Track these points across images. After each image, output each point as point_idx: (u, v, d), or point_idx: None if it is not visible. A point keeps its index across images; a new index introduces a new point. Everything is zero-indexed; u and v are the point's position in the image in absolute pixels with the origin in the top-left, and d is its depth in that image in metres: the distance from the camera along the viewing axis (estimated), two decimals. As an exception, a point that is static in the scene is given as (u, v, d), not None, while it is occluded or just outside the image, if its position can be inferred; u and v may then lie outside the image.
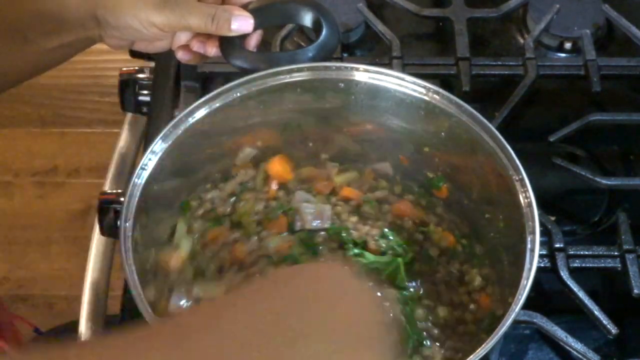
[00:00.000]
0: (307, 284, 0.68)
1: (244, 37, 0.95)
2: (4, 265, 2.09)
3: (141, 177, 0.90)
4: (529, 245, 0.86)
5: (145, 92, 1.19)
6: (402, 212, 1.01)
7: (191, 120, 0.94)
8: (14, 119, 2.27)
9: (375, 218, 1.01)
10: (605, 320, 0.96)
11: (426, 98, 0.96)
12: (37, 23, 0.93)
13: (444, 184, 1.01)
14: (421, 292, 0.95)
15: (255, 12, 0.94)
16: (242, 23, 0.93)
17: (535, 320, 0.96)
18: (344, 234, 0.98)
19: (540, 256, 0.94)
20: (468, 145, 0.94)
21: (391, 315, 0.81)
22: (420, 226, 1.00)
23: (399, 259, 0.96)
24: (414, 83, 0.96)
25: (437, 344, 0.92)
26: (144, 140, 1.18)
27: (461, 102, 0.94)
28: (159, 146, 0.92)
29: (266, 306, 0.63)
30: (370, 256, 0.96)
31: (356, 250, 0.97)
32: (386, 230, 0.99)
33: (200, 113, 0.94)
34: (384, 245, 0.98)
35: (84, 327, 1.05)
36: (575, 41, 1.23)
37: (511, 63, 1.19)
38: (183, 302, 0.92)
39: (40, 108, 2.28)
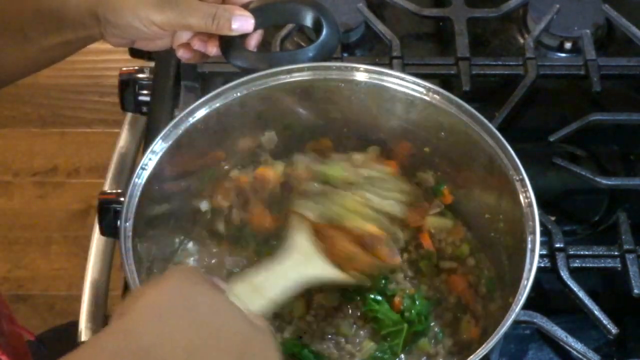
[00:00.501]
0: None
1: (244, 36, 0.95)
2: (4, 265, 2.09)
3: (141, 177, 0.90)
4: (529, 245, 0.86)
5: (145, 92, 1.19)
6: (453, 286, 0.97)
7: (191, 120, 0.94)
8: (14, 119, 2.28)
9: (424, 279, 0.98)
10: (605, 320, 0.96)
11: (426, 98, 0.96)
12: (37, 21, 0.93)
13: (444, 186, 1.01)
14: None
15: (256, 12, 0.94)
16: (242, 23, 0.93)
17: (535, 320, 0.96)
18: (381, 281, 0.96)
19: (541, 256, 0.94)
20: (468, 145, 0.94)
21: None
22: (460, 310, 0.96)
23: (405, 326, 0.93)
24: (414, 83, 0.96)
25: None
26: (144, 140, 1.18)
27: (461, 102, 0.94)
28: (159, 146, 0.92)
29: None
30: (384, 308, 0.94)
31: (376, 297, 0.95)
32: (417, 295, 0.95)
33: (200, 113, 0.94)
34: (406, 305, 0.95)
35: (83, 327, 1.05)
36: (575, 41, 1.23)
37: (511, 63, 1.19)
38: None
39: (40, 108, 2.28)
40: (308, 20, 0.97)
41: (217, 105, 0.95)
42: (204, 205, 1.00)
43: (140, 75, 1.19)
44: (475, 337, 0.93)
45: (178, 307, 0.67)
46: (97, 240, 1.13)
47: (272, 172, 1.01)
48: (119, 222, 0.87)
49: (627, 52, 1.22)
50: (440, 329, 0.95)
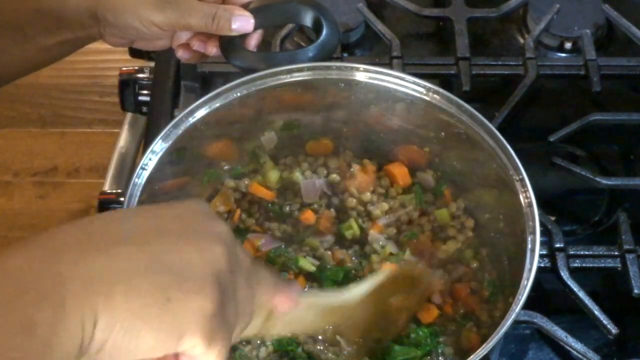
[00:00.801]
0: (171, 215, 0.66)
1: (244, 37, 0.95)
2: (4, 265, 2.08)
3: (141, 177, 0.90)
4: (529, 245, 0.86)
5: (145, 92, 1.19)
6: (457, 295, 0.96)
7: (191, 120, 0.94)
8: (14, 119, 2.27)
9: None
10: (605, 320, 0.96)
11: (426, 98, 0.96)
12: (36, 20, 0.93)
13: (445, 186, 1.01)
14: None
15: (256, 12, 0.94)
16: (242, 23, 0.93)
17: (535, 320, 0.96)
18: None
19: (541, 256, 0.94)
20: (468, 145, 0.94)
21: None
22: (463, 318, 0.95)
23: (419, 352, 0.91)
24: (414, 83, 0.96)
25: None
26: (144, 140, 1.18)
27: (461, 102, 0.94)
28: (159, 146, 0.92)
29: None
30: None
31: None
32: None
33: (200, 113, 0.94)
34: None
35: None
36: (576, 41, 1.23)
37: (511, 63, 1.19)
38: None
39: (40, 108, 2.28)
40: (308, 20, 0.97)
41: (217, 105, 0.95)
42: None
43: (140, 75, 1.20)
44: (476, 345, 0.92)
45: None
46: (97, 240, 1.12)
47: (265, 190, 1.02)
48: (119, 222, 0.87)
49: (627, 52, 1.22)
50: (442, 341, 0.94)
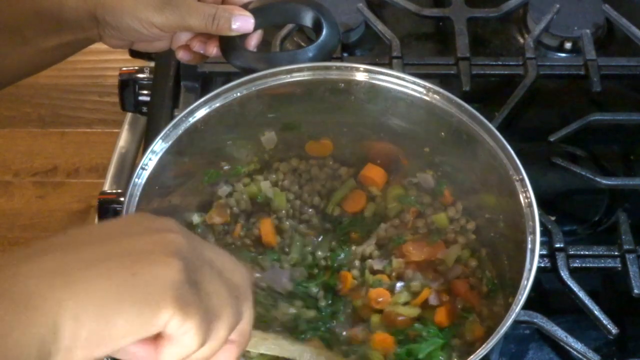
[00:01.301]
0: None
1: (244, 37, 0.95)
2: (4, 265, 2.08)
3: (141, 177, 0.90)
4: (529, 245, 0.86)
5: (145, 92, 1.19)
6: (456, 291, 0.96)
7: (191, 120, 0.94)
8: (14, 119, 2.27)
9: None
10: (605, 320, 0.96)
11: (426, 98, 0.96)
12: (35, 22, 0.93)
13: (444, 186, 1.01)
14: None
15: (256, 12, 0.94)
16: (242, 23, 0.93)
17: (535, 320, 0.96)
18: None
19: (541, 256, 0.94)
20: (468, 145, 0.94)
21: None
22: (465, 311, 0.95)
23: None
24: (414, 83, 0.96)
25: None
26: (144, 140, 1.18)
27: (461, 102, 0.94)
28: (159, 146, 0.92)
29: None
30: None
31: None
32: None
33: (200, 113, 0.94)
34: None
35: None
36: (576, 41, 1.23)
37: (511, 63, 1.19)
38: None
39: (40, 108, 2.28)
40: (308, 20, 0.97)
41: (217, 105, 0.95)
42: (195, 219, 1.01)
43: (140, 75, 1.20)
44: (480, 336, 0.92)
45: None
46: (97, 241, 1.12)
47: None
48: (118, 223, 0.87)
49: (627, 52, 1.22)
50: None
